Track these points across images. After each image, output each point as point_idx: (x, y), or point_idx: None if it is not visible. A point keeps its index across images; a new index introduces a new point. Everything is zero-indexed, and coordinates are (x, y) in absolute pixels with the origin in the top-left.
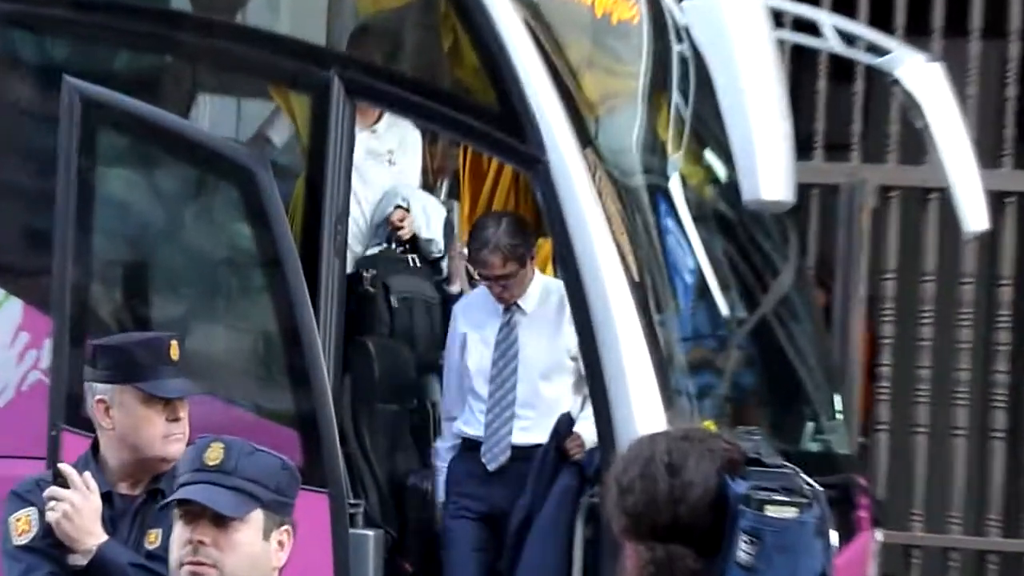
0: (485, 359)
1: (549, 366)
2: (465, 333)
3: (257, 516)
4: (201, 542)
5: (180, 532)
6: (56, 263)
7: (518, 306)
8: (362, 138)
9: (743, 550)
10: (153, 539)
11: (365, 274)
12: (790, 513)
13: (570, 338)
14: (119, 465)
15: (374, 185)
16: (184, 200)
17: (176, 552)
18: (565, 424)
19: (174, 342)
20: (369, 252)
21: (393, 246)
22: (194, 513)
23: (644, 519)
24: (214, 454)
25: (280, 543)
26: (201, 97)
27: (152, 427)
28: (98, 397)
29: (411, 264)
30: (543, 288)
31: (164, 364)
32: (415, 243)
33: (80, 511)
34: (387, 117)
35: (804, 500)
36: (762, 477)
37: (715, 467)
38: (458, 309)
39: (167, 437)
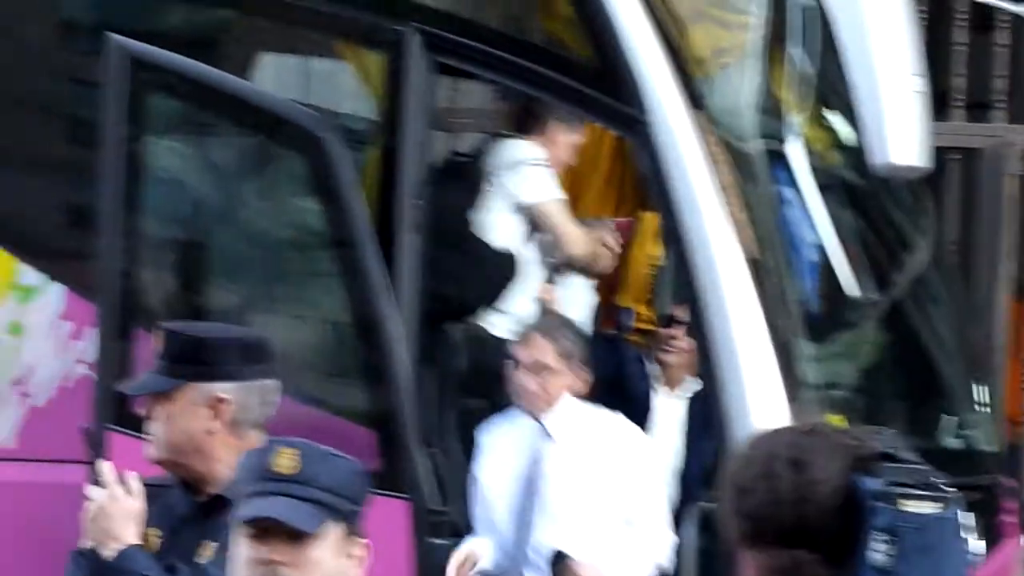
0: None
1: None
2: None
3: (334, 530)
4: (279, 562)
5: (249, 551)
6: (103, 244)
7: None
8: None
9: (879, 551)
10: (209, 553)
11: None
12: (931, 509)
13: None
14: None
15: None
16: (245, 172)
17: (244, 574)
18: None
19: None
20: None
21: None
22: (265, 529)
23: (766, 522)
24: (286, 461)
25: (358, 558)
26: (264, 57)
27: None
28: None
29: None
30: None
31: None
32: None
33: (109, 513)
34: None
35: (946, 496)
36: (897, 473)
37: (844, 464)
38: None
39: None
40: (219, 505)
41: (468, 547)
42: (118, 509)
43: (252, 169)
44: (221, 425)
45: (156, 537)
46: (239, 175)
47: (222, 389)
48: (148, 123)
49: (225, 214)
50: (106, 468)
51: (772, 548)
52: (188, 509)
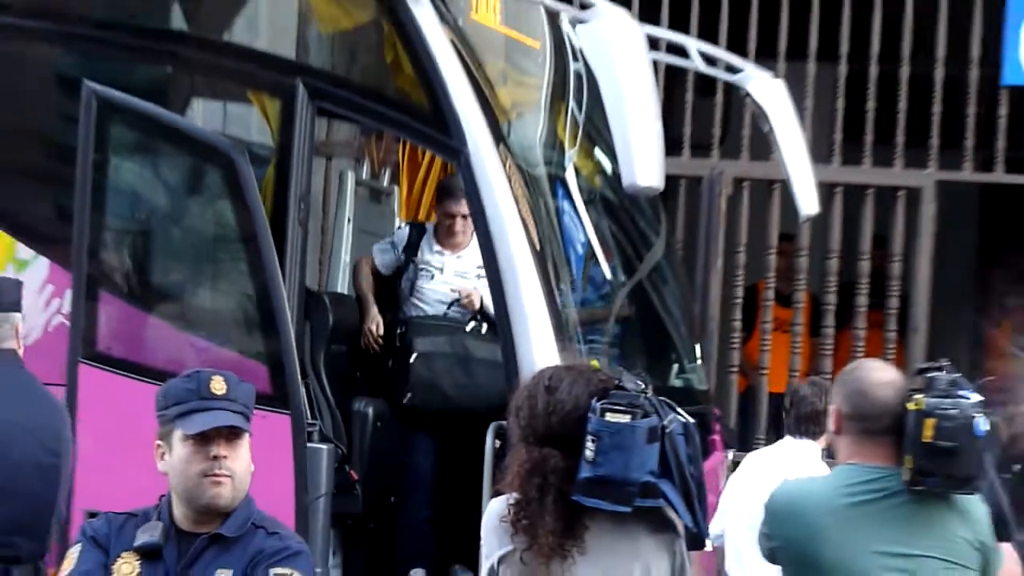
0: None
1: None
2: None
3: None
4: (224, 456)
5: (194, 449)
6: (76, 231)
7: None
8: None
9: (588, 448)
10: None
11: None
12: (623, 419)
13: None
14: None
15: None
16: (178, 182)
17: (193, 467)
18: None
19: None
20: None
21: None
22: (208, 435)
23: (527, 427)
24: (218, 385)
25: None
26: (195, 99)
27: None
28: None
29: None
30: None
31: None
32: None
33: None
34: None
35: (638, 411)
36: (616, 396)
37: (587, 391)
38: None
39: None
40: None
41: None
42: None
43: (184, 180)
44: None
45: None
46: (175, 185)
47: None
48: (109, 145)
49: (165, 213)
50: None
51: (532, 446)
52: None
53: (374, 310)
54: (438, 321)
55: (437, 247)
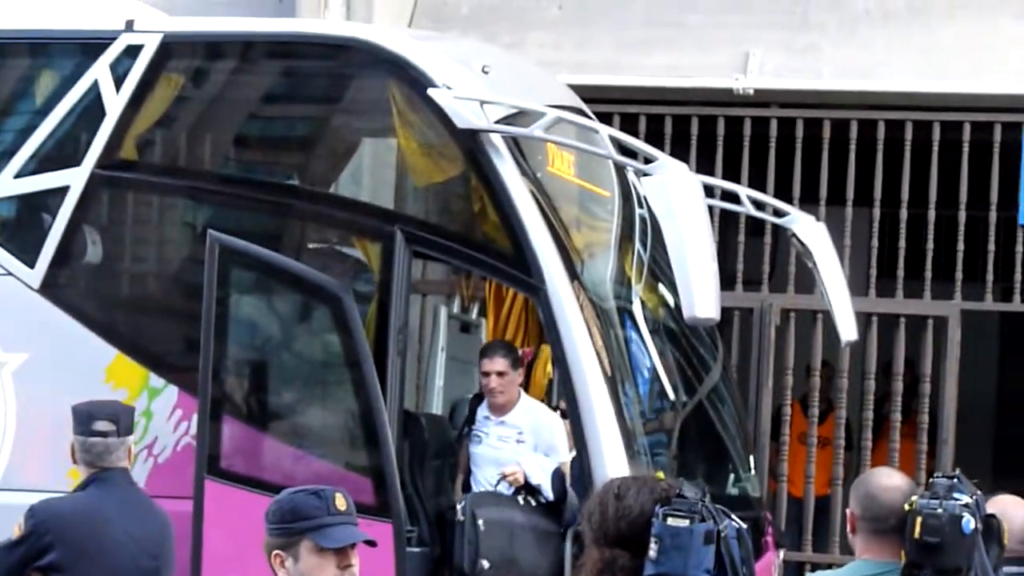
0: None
1: None
2: None
3: None
4: (353, 564)
5: (326, 559)
6: (202, 361)
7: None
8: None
9: (652, 548)
10: None
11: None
12: (683, 523)
13: None
14: None
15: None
16: (291, 317)
17: (326, 574)
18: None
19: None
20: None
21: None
22: (343, 549)
23: (599, 530)
24: (341, 502)
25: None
26: (306, 244)
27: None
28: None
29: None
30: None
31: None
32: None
33: None
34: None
35: (696, 516)
36: (677, 503)
37: (652, 498)
38: None
39: None
40: None
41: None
42: None
43: (296, 316)
44: None
45: None
46: (288, 320)
47: None
48: (230, 286)
49: (280, 344)
50: None
51: (603, 547)
52: None
53: (458, 484)
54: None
55: (486, 412)
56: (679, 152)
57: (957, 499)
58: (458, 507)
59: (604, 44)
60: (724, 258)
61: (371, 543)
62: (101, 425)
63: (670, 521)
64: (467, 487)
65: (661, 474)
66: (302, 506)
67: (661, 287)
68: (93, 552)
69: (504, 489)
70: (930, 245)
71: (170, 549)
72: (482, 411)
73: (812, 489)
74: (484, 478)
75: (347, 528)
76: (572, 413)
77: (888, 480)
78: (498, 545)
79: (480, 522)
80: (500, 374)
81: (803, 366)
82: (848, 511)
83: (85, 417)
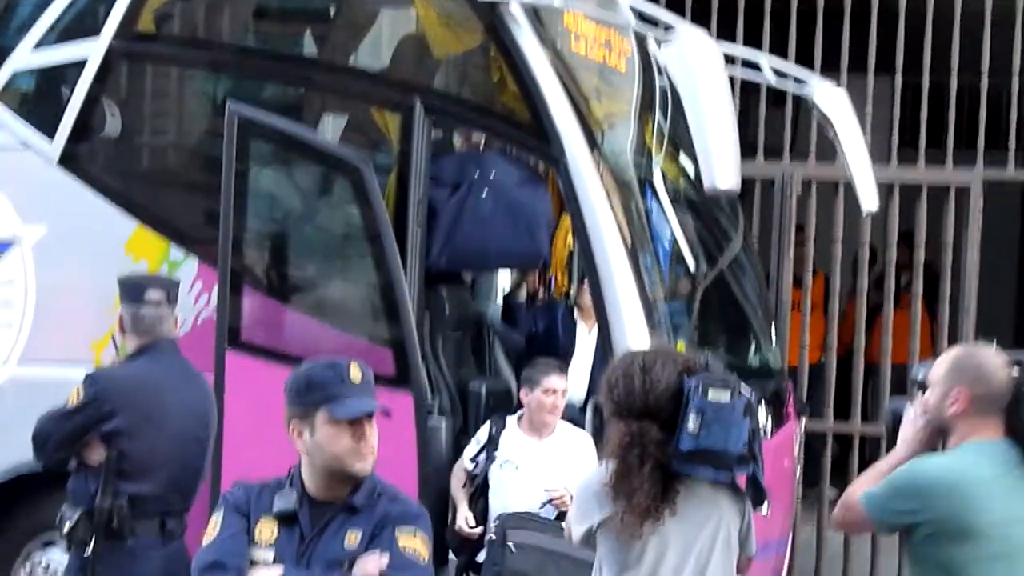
0: None
1: None
2: None
3: None
4: (368, 433)
5: (341, 430)
6: (221, 233)
7: None
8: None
9: (692, 422)
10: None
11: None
12: (724, 398)
13: None
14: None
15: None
16: (310, 189)
17: (341, 445)
18: None
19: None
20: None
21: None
22: (358, 418)
23: (624, 404)
24: (356, 373)
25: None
26: (326, 115)
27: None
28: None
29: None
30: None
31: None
32: None
33: None
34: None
35: (733, 389)
36: (707, 376)
37: (676, 370)
38: None
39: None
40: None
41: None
42: None
43: (316, 187)
44: None
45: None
46: (308, 192)
47: None
48: (250, 158)
49: (299, 216)
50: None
51: (629, 420)
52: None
53: (463, 506)
54: (533, 517)
55: (517, 434)
56: (700, 21)
57: None
58: (491, 525)
59: None
60: (744, 128)
61: (386, 413)
62: (153, 294)
63: (711, 395)
64: (484, 514)
65: (682, 345)
66: (316, 378)
67: (681, 158)
68: (157, 419)
69: (548, 513)
70: (952, 113)
71: (215, 420)
72: (511, 435)
73: (834, 356)
74: (507, 506)
75: (362, 399)
76: (592, 283)
77: (998, 359)
78: (524, 570)
79: (511, 544)
80: (564, 392)
81: (826, 236)
82: (956, 390)
83: (135, 288)
